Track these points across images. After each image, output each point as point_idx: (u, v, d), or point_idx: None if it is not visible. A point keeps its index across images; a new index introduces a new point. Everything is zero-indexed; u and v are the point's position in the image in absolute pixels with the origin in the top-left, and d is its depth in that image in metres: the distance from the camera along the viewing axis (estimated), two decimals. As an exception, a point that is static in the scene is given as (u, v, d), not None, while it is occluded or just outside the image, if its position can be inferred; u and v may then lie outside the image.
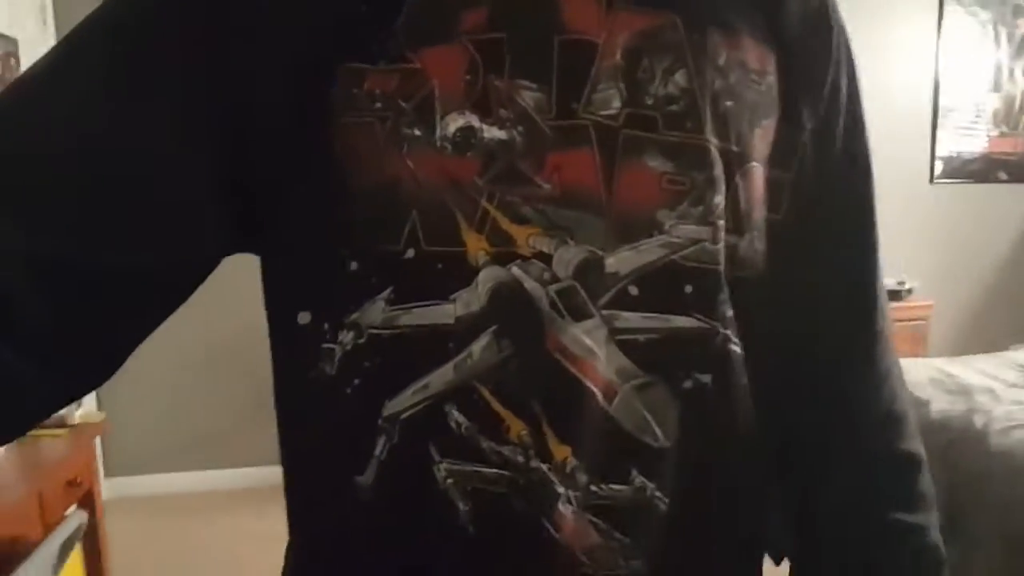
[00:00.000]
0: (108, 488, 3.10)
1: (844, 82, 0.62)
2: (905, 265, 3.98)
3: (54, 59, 0.50)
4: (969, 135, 4.35)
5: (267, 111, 0.50)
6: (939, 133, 4.29)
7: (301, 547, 0.60)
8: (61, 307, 0.46)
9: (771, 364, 0.60)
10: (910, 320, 3.80)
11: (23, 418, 0.48)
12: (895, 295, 3.81)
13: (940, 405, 2.19)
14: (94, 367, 0.51)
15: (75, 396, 0.51)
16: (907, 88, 4.19)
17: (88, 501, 2.01)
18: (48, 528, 1.67)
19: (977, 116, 4.35)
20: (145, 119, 0.48)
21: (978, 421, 2.07)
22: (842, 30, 0.62)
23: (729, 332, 0.56)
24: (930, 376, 2.38)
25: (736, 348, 0.57)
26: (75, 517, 1.64)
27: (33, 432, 1.89)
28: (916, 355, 3.38)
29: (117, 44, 0.49)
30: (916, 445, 0.64)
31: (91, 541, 1.95)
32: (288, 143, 0.51)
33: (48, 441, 2.00)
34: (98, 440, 2.66)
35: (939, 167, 4.33)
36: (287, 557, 0.62)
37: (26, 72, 0.49)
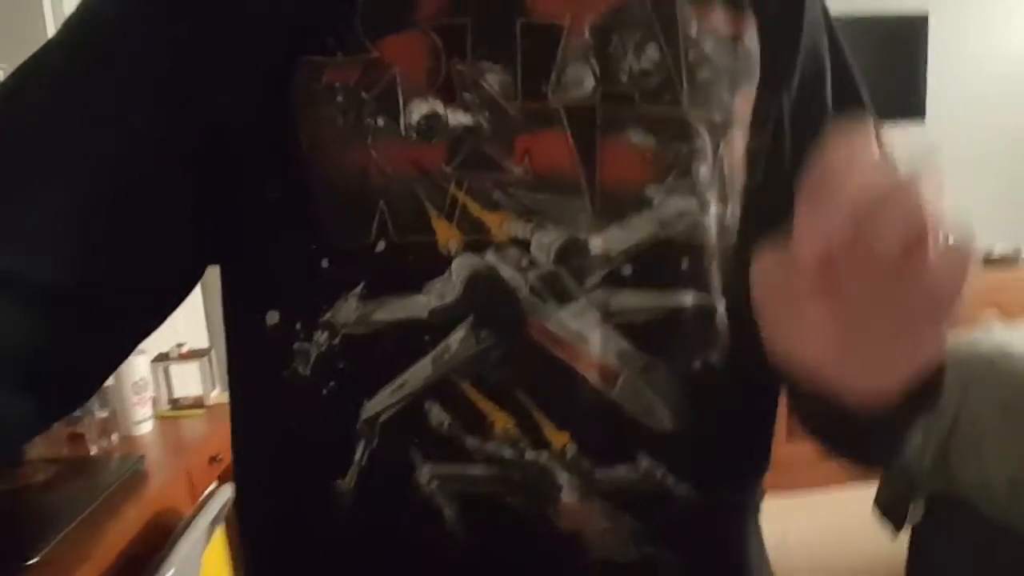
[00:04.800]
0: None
1: (825, 41, 0.61)
2: (1018, 232, 3.64)
3: (21, 77, 0.50)
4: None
5: (230, 112, 0.50)
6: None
7: (271, 556, 0.59)
8: (38, 328, 0.46)
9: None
10: None
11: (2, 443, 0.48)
12: (1010, 262, 3.50)
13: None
14: (70, 392, 0.52)
15: (48, 424, 0.50)
16: (1017, 42, 3.85)
17: (228, 475, 1.94)
18: (196, 501, 1.77)
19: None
20: (112, 132, 0.48)
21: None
22: None
23: (720, 308, 0.55)
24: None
25: (722, 325, 0.56)
26: (222, 494, 1.78)
27: (174, 413, 2.19)
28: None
29: (79, 59, 0.50)
30: None
31: (232, 512, 1.83)
32: (254, 142, 0.51)
33: (188, 421, 2.06)
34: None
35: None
36: (252, 566, 0.61)
37: None
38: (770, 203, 0.58)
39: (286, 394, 0.53)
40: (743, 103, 0.57)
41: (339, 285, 0.51)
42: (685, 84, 0.54)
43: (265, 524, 0.60)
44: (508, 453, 0.52)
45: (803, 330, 0.39)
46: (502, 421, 0.52)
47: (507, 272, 0.51)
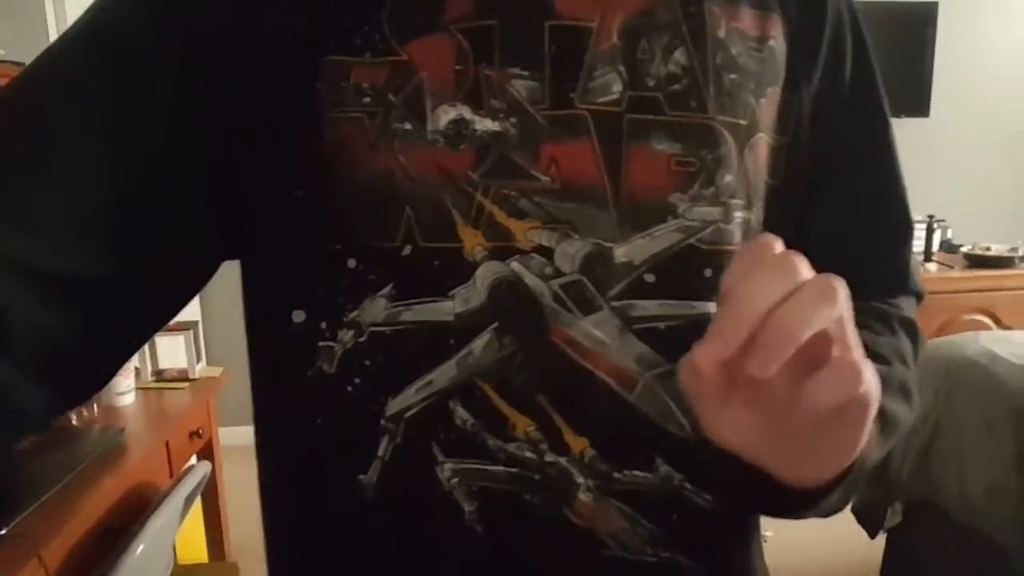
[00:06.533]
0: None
1: (848, 40, 0.61)
2: (1017, 231, 3.63)
3: (41, 68, 0.50)
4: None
5: (254, 109, 0.50)
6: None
7: (293, 549, 0.60)
8: (54, 322, 0.46)
9: None
10: (1021, 289, 3.36)
11: (11, 432, 0.48)
12: (1006, 262, 3.38)
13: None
14: (88, 379, 0.52)
15: (63, 411, 0.50)
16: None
17: (208, 451, 2.04)
18: (174, 475, 1.79)
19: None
20: (134, 128, 0.49)
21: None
22: None
23: None
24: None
25: None
26: (199, 469, 1.77)
27: (158, 385, 2.22)
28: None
29: (101, 53, 0.50)
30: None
31: (209, 489, 1.95)
32: (277, 140, 0.50)
33: (171, 394, 2.05)
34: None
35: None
36: (274, 556, 0.62)
37: (12, 84, 0.50)
38: (789, 199, 0.59)
39: (310, 392, 0.53)
40: (768, 105, 0.57)
41: (366, 285, 0.51)
42: (712, 88, 0.53)
43: (289, 518, 0.60)
44: (528, 455, 0.52)
45: (732, 425, 0.40)
46: (523, 424, 0.52)
47: (531, 280, 0.51)
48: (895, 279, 0.66)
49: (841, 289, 0.36)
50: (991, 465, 1.91)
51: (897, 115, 3.68)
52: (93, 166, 0.48)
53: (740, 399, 0.40)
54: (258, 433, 0.61)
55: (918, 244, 3.49)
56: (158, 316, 0.55)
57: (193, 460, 2.00)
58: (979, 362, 2.02)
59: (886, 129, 0.64)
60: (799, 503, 0.46)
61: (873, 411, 0.38)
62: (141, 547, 1.38)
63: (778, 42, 0.57)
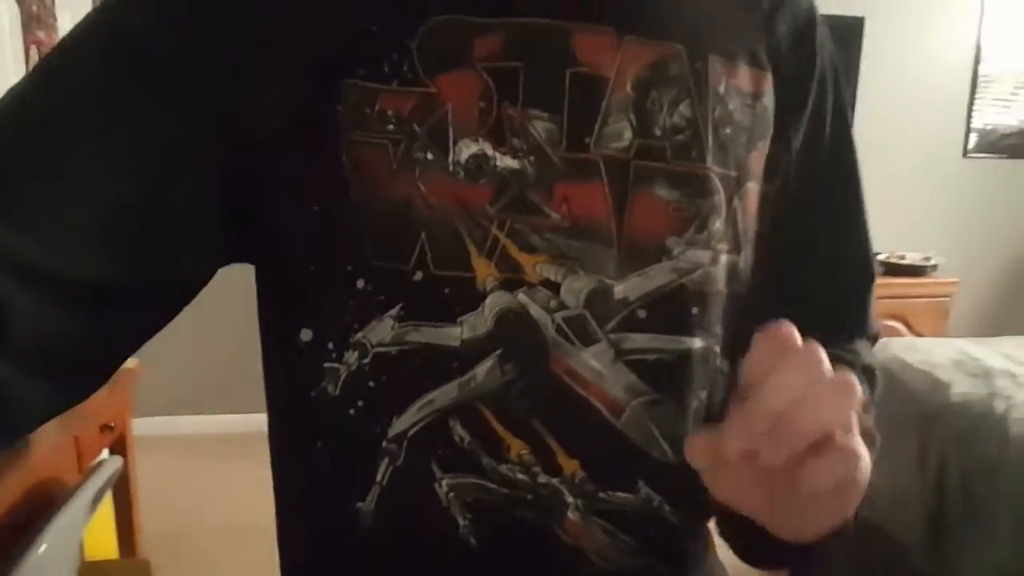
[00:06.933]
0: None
1: (830, 97, 0.65)
2: (930, 241, 3.77)
3: (52, 68, 0.50)
4: (1008, 108, 4.03)
5: (271, 124, 0.50)
6: (977, 104, 4.01)
7: (300, 565, 0.62)
8: (54, 322, 0.46)
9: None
10: (933, 297, 3.58)
11: (8, 431, 0.48)
12: (919, 271, 3.54)
13: (961, 388, 2.03)
14: (84, 381, 0.52)
15: (62, 409, 0.51)
16: (945, 55, 3.96)
17: (119, 445, 1.94)
18: (83, 470, 1.70)
19: (1018, 88, 4.01)
20: (142, 135, 0.48)
21: (999, 406, 1.92)
22: (825, 46, 0.65)
23: (718, 349, 0.59)
24: (952, 358, 2.19)
25: (721, 364, 0.60)
26: (110, 464, 1.71)
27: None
28: (937, 333, 3.39)
29: (113, 58, 0.49)
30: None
31: (121, 484, 1.85)
32: (292, 157, 0.51)
33: None
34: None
35: (974, 140, 4.06)
36: (287, 568, 0.63)
37: (23, 81, 0.49)
38: (773, 244, 0.63)
39: (314, 413, 0.55)
40: (758, 157, 0.60)
41: (374, 306, 0.52)
42: (711, 141, 0.56)
43: (297, 542, 0.62)
44: (520, 476, 0.55)
45: (735, 490, 0.44)
46: (517, 447, 0.54)
47: (536, 311, 0.53)
48: (857, 324, 0.71)
49: (857, 388, 0.39)
50: (895, 467, 1.98)
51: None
52: (100, 172, 0.48)
53: (745, 470, 0.42)
54: (271, 447, 0.62)
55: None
56: (158, 318, 0.55)
57: (105, 454, 1.91)
58: (889, 368, 2.10)
59: (858, 183, 0.70)
60: (791, 552, 0.51)
61: (864, 488, 0.43)
62: (44, 546, 1.32)
63: (769, 98, 0.61)
